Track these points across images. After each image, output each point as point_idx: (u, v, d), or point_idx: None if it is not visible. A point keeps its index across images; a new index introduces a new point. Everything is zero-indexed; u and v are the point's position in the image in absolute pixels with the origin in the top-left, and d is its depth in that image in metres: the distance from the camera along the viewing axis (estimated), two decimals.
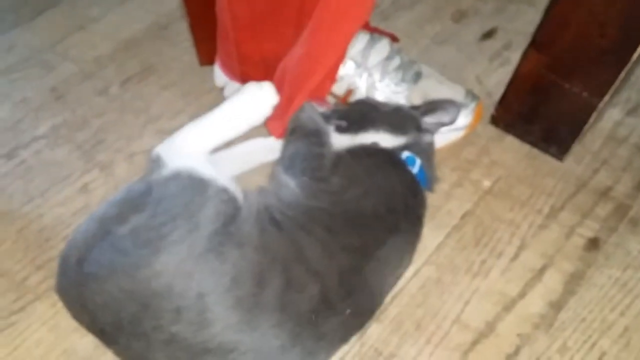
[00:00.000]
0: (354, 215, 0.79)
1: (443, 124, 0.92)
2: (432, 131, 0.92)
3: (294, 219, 0.77)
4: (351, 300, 0.75)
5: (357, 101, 0.96)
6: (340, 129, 0.90)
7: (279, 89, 0.89)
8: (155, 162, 0.79)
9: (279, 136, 0.93)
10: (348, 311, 0.74)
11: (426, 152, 0.90)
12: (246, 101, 0.87)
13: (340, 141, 0.88)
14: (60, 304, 0.82)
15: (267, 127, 0.95)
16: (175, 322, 0.67)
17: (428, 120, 0.91)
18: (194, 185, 0.74)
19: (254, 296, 0.69)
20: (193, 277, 0.68)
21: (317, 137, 0.86)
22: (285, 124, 0.89)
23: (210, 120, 0.85)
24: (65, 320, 0.82)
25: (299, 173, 0.82)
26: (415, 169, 0.86)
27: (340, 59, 0.94)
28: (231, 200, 0.75)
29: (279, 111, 0.90)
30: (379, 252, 0.78)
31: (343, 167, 0.83)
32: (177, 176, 0.76)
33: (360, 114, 0.90)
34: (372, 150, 0.87)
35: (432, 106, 0.91)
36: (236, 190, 0.78)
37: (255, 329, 0.68)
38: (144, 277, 0.67)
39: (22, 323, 0.83)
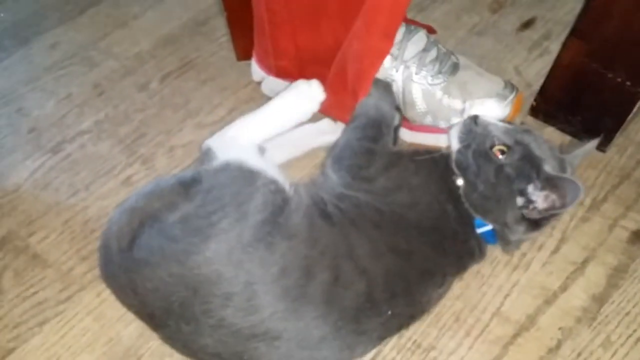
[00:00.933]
0: (399, 218, 0.79)
1: (554, 209, 0.76)
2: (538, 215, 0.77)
3: (346, 212, 0.77)
4: (394, 302, 0.75)
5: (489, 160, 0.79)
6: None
7: (340, 80, 0.89)
8: (206, 154, 0.82)
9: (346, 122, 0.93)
10: (389, 312, 0.74)
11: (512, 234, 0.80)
12: (295, 98, 0.88)
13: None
14: (105, 294, 0.85)
15: (334, 117, 0.97)
16: (224, 307, 0.68)
17: (541, 199, 0.76)
18: (243, 176, 0.76)
19: (301, 287, 0.70)
20: (242, 266, 0.69)
21: (375, 130, 0.85)
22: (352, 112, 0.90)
23: (260, 115, 0.87)
24: (110, 309, 0.85)
25: (344, 169, 0.82)
26: (482, 229, 0.81)
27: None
28: (279, 191, 0.76)
29: (344, 101, 0.90)
30: (423, 263, 0.77)
31: (397, 171, 0.82)
32: (226, 167, 0.77)
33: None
34: (440, 164, 0.83)
35: (553, 182, 0.75)
36: (285, 182, 0.79)
37: (300, 319, 0.70)
38: (195, 263, 0.69)
39: (68, 312, 0.86)
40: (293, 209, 0.75)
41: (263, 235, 0.71)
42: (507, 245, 0.83)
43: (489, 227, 0.80)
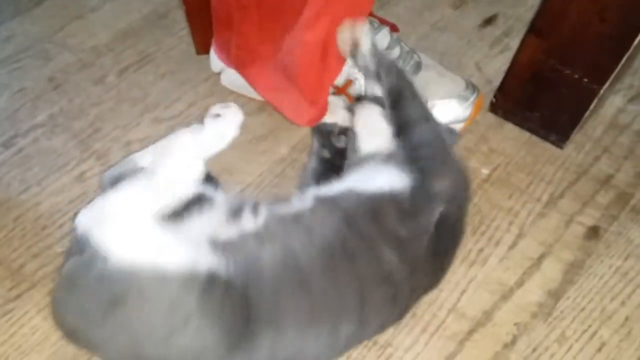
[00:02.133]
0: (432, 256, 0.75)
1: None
2: None
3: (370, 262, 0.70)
4: (381, 330, 0.76)
5: None
6: None
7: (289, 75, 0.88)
8: (81, 242, 0.61)
9: (307, 123, 0.92)
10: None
11: None
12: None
13: None
14: None
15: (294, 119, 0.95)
16: None
17: None
18: (162, 290, 0.58)
19: None
20: None
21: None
22: (321, 110, 0.87)
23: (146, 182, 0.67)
24: None
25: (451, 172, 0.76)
26: None
27: None
28: (214, 279, 0.60)
29: (309, 97, 0.89)
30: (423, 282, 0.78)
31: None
32: (130, 277, 0.58)
33: None
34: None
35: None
36: (210, 255, 0.62)
37: None
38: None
39: (18, 311, 0.83)
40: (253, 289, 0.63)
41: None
42: None
43: None
